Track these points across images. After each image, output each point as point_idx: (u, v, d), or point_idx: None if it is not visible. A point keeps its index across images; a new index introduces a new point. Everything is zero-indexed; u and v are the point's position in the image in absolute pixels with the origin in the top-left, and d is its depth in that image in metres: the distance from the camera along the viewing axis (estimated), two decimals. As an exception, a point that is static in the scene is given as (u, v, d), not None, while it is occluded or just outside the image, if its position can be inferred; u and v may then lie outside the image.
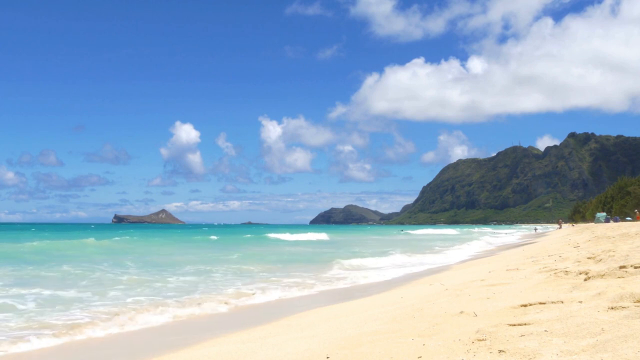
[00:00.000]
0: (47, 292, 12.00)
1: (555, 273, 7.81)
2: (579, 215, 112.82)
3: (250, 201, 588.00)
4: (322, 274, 16.31)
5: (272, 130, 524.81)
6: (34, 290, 12.15)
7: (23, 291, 12.03)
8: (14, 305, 10.11)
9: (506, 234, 73.97)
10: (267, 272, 17.24)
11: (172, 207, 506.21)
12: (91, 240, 37.06)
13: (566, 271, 7.75)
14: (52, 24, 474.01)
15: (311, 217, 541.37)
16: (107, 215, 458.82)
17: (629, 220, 58.01)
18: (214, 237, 49.31)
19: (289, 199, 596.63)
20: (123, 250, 30.87)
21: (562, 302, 5.25)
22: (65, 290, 12.31)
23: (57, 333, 7.84)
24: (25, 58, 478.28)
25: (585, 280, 6.54)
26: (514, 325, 4.48)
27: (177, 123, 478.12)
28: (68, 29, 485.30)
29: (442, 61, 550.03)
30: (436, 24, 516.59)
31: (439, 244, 40.32)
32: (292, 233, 60.46)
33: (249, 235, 60.22)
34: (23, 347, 7.13)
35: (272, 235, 57.16)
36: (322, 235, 59.40)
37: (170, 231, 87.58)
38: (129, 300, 10.97)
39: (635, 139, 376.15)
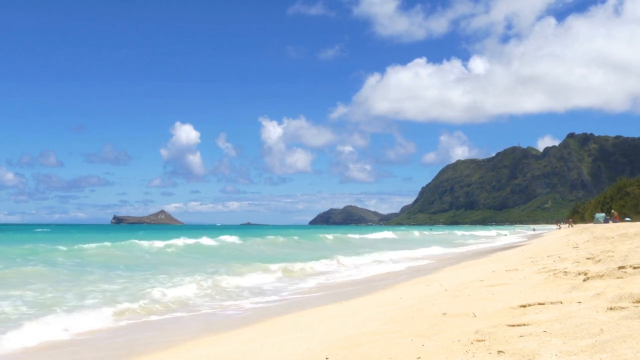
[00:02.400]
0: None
1: (554, 274, 7.81)
2: (577, 215, 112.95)
3: (250, 202, 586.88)
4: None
5: (273, 131, 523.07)
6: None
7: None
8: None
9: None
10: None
11: (171, 207, 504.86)
12: (205, 238, 36.34)
13: (565, 272, 7.75)
14: (52, 24, 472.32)
15: (310, 218, 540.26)
16: (106, 217, 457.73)
17: (628, 221, 58.25)
18: (296, 238, 47.07)
19: (288, 200, 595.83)
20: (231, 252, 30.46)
21: (561, 303, 5.26)
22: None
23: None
24: (25, 58, 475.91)
25: (584, 280, 6.54)
26: (513, 325, 4.48)
27: (177, 124, 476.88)
28: (68, 29, 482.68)
29: (444, 61, 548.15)
30: (439, 24, 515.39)
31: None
32: (361, 234, 60.78)
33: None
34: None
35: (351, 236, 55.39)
36: (388, 234, 61.19)
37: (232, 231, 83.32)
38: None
39: (634, 139, 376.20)
